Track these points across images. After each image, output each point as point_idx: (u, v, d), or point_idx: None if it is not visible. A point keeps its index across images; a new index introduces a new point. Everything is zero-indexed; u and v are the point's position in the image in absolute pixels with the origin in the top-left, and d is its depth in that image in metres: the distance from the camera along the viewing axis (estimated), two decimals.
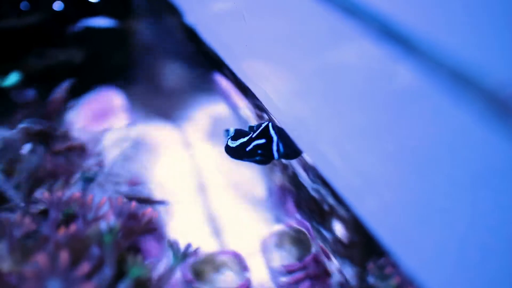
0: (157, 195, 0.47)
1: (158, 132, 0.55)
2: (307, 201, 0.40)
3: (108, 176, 0.46)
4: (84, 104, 0.56)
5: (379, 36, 0.22)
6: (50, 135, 0.46)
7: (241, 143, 0.34)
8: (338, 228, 0.36)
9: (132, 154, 0.50)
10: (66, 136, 0.48)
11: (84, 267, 0.26)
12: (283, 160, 0.42)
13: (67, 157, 0.45)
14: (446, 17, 0.20)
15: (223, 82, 0.52)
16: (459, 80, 0.19)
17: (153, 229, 0.36)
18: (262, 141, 0.34)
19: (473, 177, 0.19)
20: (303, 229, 0.41)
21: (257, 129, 0.35)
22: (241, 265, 0.40)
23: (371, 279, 0.33)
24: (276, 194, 0.46)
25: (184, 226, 0.44)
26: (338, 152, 0.28)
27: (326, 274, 0.38)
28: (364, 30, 0.23)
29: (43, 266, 0.25)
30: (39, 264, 0.25)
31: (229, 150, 0.35)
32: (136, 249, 0.37)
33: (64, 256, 0.26)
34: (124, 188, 0.46)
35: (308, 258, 0.38)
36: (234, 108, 0.52)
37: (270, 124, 0.34)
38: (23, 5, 0.58)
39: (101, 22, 0.61)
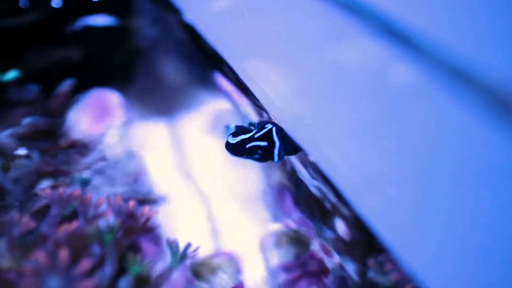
0: (155, 194, 0.47)
1: (157, 130, 0.54)
2: (307, 198, 0.40)
3: (107, 174, 0.46)
4: (83, 102, 0.55)
5: (379, 34, 0.22)
6: (52, 133, 0.46)
7: (241, 140, 0.34)
8: (340, 226, 0.36)
9: (131, 153, 0.50)
10: (67, 134, 0.48)
11: (84, 265, 0.26)
12: (284, 156, 0.42)
13: (68, 154, 0.45)
14: (446, 15, 0.20)
15: (223, 80, 0.52)
16: (459, 77, 0.19)
17: (152, 228, 0.36)
18: (264, 143, 0.34)
19: (473, 175, 0.19)
20: (302, 227, 0.41)
21: (259, 129, 0.35)
22: (236, 267, 0.40)
23: (371, 275, 0.33)
24: (274, 191, 0.46)
25: (183, 225, 0.44)
26: (339, 150, 0.28)
27: (325, 272, 0.38)
28: (364, 28, 0.23)
29: (43, 263, 0.25)
30: (39, 261, 0.25)
31: (229, 147, 0.35)
32: (135, 248, 0.37)
33: (64, 254, 0.26)
34: (123, 187, 0.46)
35: (305, 256, 0.38)
36: (234, 105, 0.52)
37: (274, 129, 0.34)
38: (22, 3, 0.57)
39: (101, 20, 0.61)
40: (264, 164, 0.45)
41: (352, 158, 0.27)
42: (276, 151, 0.34)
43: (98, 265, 0.29)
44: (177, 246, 0.34)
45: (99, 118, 0.54)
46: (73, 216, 0.33)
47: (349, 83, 0.26)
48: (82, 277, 0.26)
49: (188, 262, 0.39)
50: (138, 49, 0.63)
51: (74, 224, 0.30)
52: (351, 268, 0.36)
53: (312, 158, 0.35)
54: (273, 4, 0.32)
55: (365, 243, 0.34)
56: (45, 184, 0.41)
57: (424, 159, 0.22)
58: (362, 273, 0.34)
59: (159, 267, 0.33)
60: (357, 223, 0.34)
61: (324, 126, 0.30)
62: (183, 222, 0.45)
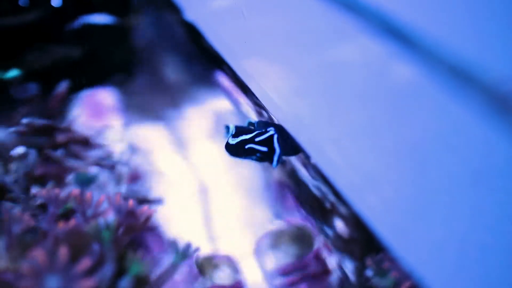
0: (154, 193, 0.47)
1: (156, 130, 0.54)
2: (308, 198, 0.40)
3: (106, 174, 0.46)
4: (82, 101, 0.55)
5: (379, 33, 0.22)
6: (50, 132, 0.46)
7: (242, 140, 0.34)
8: (339, 225, 0.36)
9: (130, 152, 0.50)
10: (65, 133, 0.48)
11: (84, 264, 0.26)
12: (283, 157, 0.42)
13: (66, 153, 0.45)
14: (445, 14, 0.19)
15: (222, 79, 0.52)
16: (459, 77, 0.19)
17: (152, 227, 0.36)
18: (264, 149, 0.34)
19: (472, 174, 0.19)
20: (305, 225, 0.41)
21: (261, 132, 0.35)
22: (236, 266, 0.40)
23: (369, 274, 0.33)
24: (275, 190, 0.46)
25: (182, 224, 0.44)
26: (338, 149, 0.28)
27: (326, 272, 0.38)
28: (364, 27, 0.23)
29: (42, 262, 0.25)
30: (37, 260, 0.25)
31: (229, 148, 0.35)
32: (136, 246, 0.37)
33: (63, 252, 0.26)
34: (123, 187, 0.46)
35: (309, 256, 0.38)
36: (234, 104, 0.52)
37: (275, 136, 0.34)
38: (22, 2, 0.57)
39: (101, 19, 0.61)
40: (264, 163, 0.45)
41: (352, 157, 0.27)
42: (275, 158, 0.34)
43: (98, 264, 0.28)
44: (179, 244, 0.34)
45: (98, 117, 0.54)
46: (72, 215, 0.33)
47: (349, 83, 0.26)
48: (82, 276, 0.26)
49: (189, 260, 0.39)
50: (138, 48, 0.63)
51: (72, 222, 0.30)
52: (349, 267, 0.36)
53: (311, 156, 0.35)
54: (273, 3, 0.32)
55: (364, 242, 0.34)
56: (42, 183, 0.41)
57: (423, 158, 0.22)
58: (361, 271, 0.34)
59: (160, 265, 0.33)
60: (356, 222, 0.34)
61: (323, 125, 0.30)
62: (183, 221, 0.45)
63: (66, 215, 0.33)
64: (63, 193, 0.34)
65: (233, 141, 0.35)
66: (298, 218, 0.43)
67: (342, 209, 0.35)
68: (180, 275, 0.38)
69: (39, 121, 0.46)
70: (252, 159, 0.35)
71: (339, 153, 0.28)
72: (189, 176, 0.49)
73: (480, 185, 0.19)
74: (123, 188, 0.45)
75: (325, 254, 0.38)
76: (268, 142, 0.34)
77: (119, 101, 0.56)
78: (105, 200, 0.34)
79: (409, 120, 0.22)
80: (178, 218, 0.45)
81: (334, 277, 0.37)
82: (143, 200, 0.45)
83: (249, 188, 0.48)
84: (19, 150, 0.42)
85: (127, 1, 0.64)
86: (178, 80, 0.61)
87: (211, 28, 0.45)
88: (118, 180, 0.46)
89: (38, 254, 0.25)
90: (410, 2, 0.21)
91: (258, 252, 0.42)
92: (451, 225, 0.21)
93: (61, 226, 0.30)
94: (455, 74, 0.19)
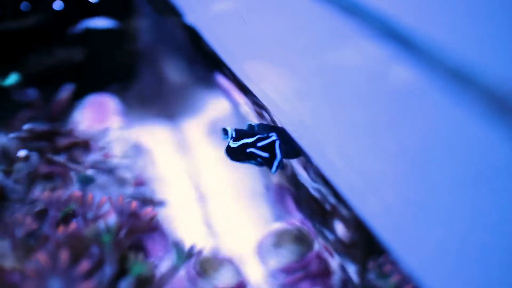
0: (157, 195, 0.47)
1: (158, 132, 0.55)
2: (307, 200, 0.40)
3: (108, 176, 0.46)
4: (84, 105, 0.56)
5: (378, 35, 0.22)
6: (52, 135, 0.47)
7: (243, 144, 0.34)
8: (340, 228, 0.36)
9: (132, 155, 0.50)
10: (67, 136, 0.48)
11: (84, 266, 0.26)
12: (284, 160, 0.42)
13: (68, 156, 0.45)
14: (445, 16, 0.20)
15: (223, 82, 0.52)
16: (459, 78, 0.19)
17: (154, 228, 0.36)
18: (265, 155, 0.34)
19: (473, 174, 0.19)
20: (304, 227, 0.41)
21: (262, 136, 0.34)
22: (237, 267, 0.40)
23: (371, 277, 0.33)
24: (275, 192, 0.46)
25: (184, 226, 0.44)
26: (339, 151, 0.28)
27: (328, 272, 0.38)
28: (363, 29, 0.23)
29: (44, 265, 0.25)
30: (40, 262, 0.25)
31: (230, 151, 0.35)
32: (138, 248, 0.37)
33: (64, 255, 0.26)
34: (125, 189, 0.46)
35: (310, 256, 0.38)
36: (234, 107, 0.52)
37: (277, 142, 0.34)
38: (24, 6, 0.58)
39: (102, 22, 0.61)
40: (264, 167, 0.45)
41: (352, 159, 0.27)
42: (276, 163, 0.34)
43: (98, 266, 0.29)
44: (182, 246, 0.34)
45: (100, 120, 0.54)
46: (73, 217, 0.33)
47: (349, 85, 0.26)
48: (82, 278, 0.26)
49: (191, 261, 0.39)
50: (139, 51, 0.64)
51: (73, 225, 0.30)
52: (351, 269, 0.35)
53: (313, 161, 0.35)
54: (273, 6, 0.32)
55: (365, 245, 0.34)
56: (44, 186, 0.41)
57: (424, 159, 0.22)
58: (362, 274, 0.34)
59: (162, 266, 0.33)
60: (357, 225, 0.34)
61: (324, 127, 0.30)
62: (185, 223, 0.45)
63: (68, 217, 0.33)
64: (64, 195, 0.34)
65: (234, 145, 0.34)
66: (298, 219, 0.43)
67: (343, 211, 0.35)
68: (182, 276, 0.38)
69: (40, 126, 0.47)
70: (252, 163, 0.35)
71: (339, 155, 0.28)
72: (190, 178, 0.50)
73: (481, 185, 0.19)
74: (126, 190, 0.46)
75: (326, 255, 0.38)
76: (269, 148, 0.34)
77: (121, 104, 0.56)
78: (106, 202, 0.34)
79: (409, 122, 0.22)
80: (180, 220, 0.45)
81: (336, 277, 0.37)
82: (146, 202, 0.45)
83: (250, 190, 0.48)
84: (22, 153, 0.42)
85: (128, 5, 0.64)
86: (179, 83, 0.61)
87: (211, 31, 0.46)
88: (120, 183, 0.46)
89: (41, 257, 0.26)
90: (410, 4, 0.21)
91: (260, 252, 0.42)
92: (451, 226, 0.21)
93: (61, 230, 0.30)
94: (455, 76, 0.19)
